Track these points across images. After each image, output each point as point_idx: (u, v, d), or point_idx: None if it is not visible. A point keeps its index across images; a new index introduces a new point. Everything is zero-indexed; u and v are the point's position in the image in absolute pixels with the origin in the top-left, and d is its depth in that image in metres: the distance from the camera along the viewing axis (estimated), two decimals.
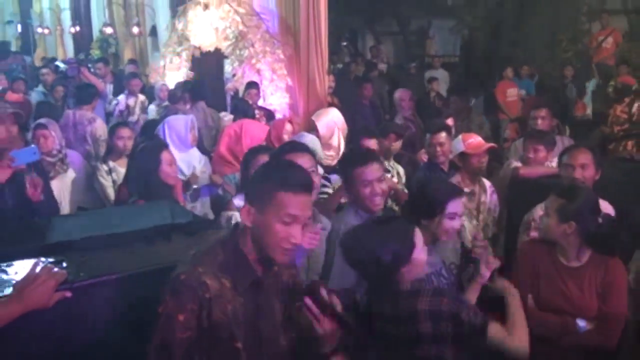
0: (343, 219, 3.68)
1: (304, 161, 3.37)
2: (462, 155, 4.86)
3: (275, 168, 2.44)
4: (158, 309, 2.22)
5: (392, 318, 2.88)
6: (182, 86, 9.05)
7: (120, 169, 5.39)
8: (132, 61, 12.86)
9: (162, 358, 2.22)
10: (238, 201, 4.10)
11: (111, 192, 5.29)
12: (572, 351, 3.46)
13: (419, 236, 2.97)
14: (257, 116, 7.86)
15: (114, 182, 5.32)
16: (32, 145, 4.29)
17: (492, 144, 5.08)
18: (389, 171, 5.35)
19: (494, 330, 2.88)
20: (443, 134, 5.25)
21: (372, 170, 3.60)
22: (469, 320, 2.81)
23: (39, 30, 23.01)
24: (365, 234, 2.92)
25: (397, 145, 5.66)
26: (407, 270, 2.89)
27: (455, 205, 3.42)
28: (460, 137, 5.01)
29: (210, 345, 2.25)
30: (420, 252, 2.94)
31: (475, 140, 4.93)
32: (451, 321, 2.81)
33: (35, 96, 10.45)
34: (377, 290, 2.95)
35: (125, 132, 5.56)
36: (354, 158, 3.83)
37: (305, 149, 3.60)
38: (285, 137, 5.82)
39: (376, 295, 2.96)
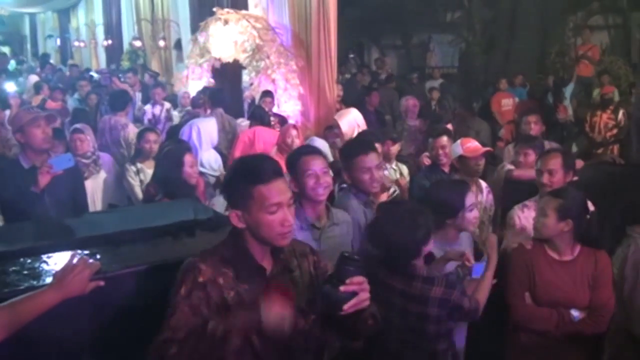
0: (345, 202, 3.75)
1: (317, 162, 3.38)
2: (461, 158, 4.86)
3: (242, 168, 2.36)
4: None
5: (403, 293, 3.00)
6: (202, 93, 9.10)
7: (147, 170, 5.40)
8: (150, 71, 12.85)
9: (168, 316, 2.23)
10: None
11: (139, 191, 5.30)
12: (566, 340, 3.47)
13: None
14: (272, 122, 7.87)
15: (141, 181, 5.33)
16: (68, 153, 4.32)
17: (488, 148, 5.07)
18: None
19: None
20: (445, 138, 5.24)
21: (371, 159, 3.71)
22: (469, 308, 3.02)
23: (76, 43, 23.12)
24: (389, 221, 3.05)
25: (394, 149, 5.63)
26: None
27: (470, 198, 3.60)
28: (459, 141, 5.00)
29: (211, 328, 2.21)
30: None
31: (473, 144, 4.92)
32: (456, 310, 2.99)
33: (71, 103, 10.49)
34: (397, 266, 3.04)
35: (152, 136, 5.58)
36: (356, 147, 3.88)
37: (317, 151, 3.61)
38: (289, 141, 5.84)
39: (394, 270, 3.05)
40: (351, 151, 3.84)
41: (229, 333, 2.17)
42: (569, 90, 12.15)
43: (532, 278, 3.54)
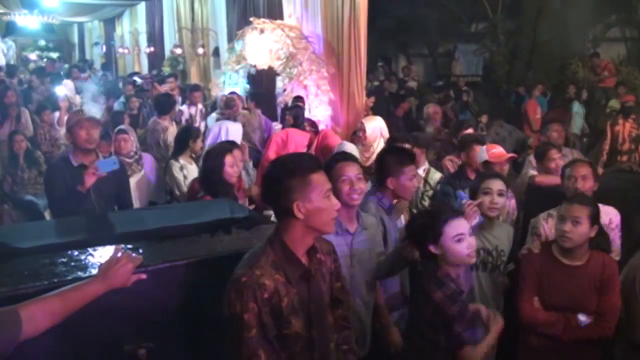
0: (366, 208, 3.69)
1: (352, 168, 3.38)
2: (486, 163, 4.81)
3: (294, 162, 2.39)
4: (225, 311, 2.23)
5: (420, 287, 2.98)
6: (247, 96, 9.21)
7: (189, 165, 5.48)
8: (172, 76, 12.90)
9: (235, 357, 2.23)
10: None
11: (184, 186, 5.34)
12: (576, 344, 3.41)
13: (465, 226, 2.98)
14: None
15: (184, 177, 5.40)
16: (113, 156, 4.37)
17: (512, 154, 5.02)
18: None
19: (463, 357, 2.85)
20: (477, 146, 5.19)
21: (413, 168, 3.79)
22: (452, 335, 2.81)
23: (120, 50, 23.39)
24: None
25: (422, 156, 5.55)
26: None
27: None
28: (484, 147, 4.95)
29: (275, 337, 2.26)
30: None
31: (498, 150, 4.88)
32: (443, 325, 2.82)
33: (117, 106, 10.60)
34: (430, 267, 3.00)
35: (201, 136, 5.68)
36: (396, 155, 3.88)
37: (352, 157, 3.61)
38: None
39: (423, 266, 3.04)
40: (398, 161, 3.82)
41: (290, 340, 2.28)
42: (574, 107, 11.92)
43: (541, 283, 3.48)
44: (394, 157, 3.90)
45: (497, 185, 3.79)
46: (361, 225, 3.39)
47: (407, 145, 5.13)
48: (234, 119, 7.90)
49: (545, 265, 3.50)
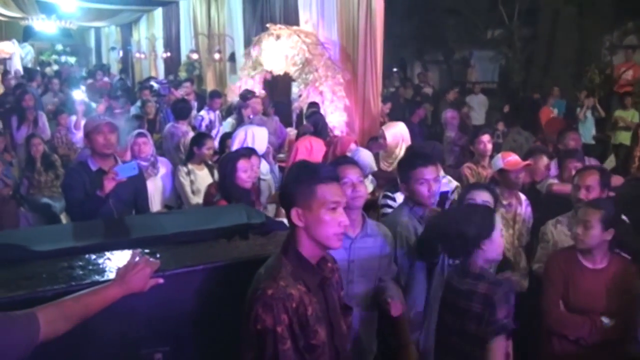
0: (396, 218, 3.65)
1: (353, 172, 3.37)
2: (501, 171, 4.78)
3: (306, 169, 2.40)
4: (253, 327, 2.20)
5: (454, 289, 2.95)
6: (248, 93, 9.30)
7: (197, 171, 5.53)
8: (189, 81, 12.94)
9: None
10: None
11: (188, 190, 5.43)
12: (598, 348, 3.41)
13: (498, 220, 3.02)
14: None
15: (191, 182, 5.46)
16: (132, 162, 4.39)
17: (528, 162, 4.99)
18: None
19: (495, 348, 2.79)
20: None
21: (430, 171, 3.59)
22: (499, 319, 2.77)
23: (137, 55, 23.56)
24: (454, 213, 3.05)
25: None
26: (486, 247, 2.90)
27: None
28: (500, 155, 4.92)
29: (303, 347, 2.24)
30: (498, 233, 2.96)
31: (513, 158, 4.85)
32: (490, 310, 2.79)
33: (134, 110, 10.66)
34: (460, 267, 2.99)
35: (210, 142, 5.70)
36: (414, 159, 3.77)
37: (352, 161, 3.58)
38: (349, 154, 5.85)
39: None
40: (409, 163, 3.74)
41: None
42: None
43: (566, 286, 3.50)
44: (402, 161, 3.88)
45: (482, 196, 3.73)
46: (365, 232, 3.32)
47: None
48: (253, 113, 8.00)
49: (569, 268, 3.52)
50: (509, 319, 2.79)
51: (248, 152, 4.62)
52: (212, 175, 5.46)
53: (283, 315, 2.17)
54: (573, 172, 5.06)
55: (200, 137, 5.85)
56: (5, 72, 14.62)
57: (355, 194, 3.29)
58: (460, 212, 3.01)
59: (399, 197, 4.23)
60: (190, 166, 5.55)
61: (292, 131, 9.49)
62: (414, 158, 3.77)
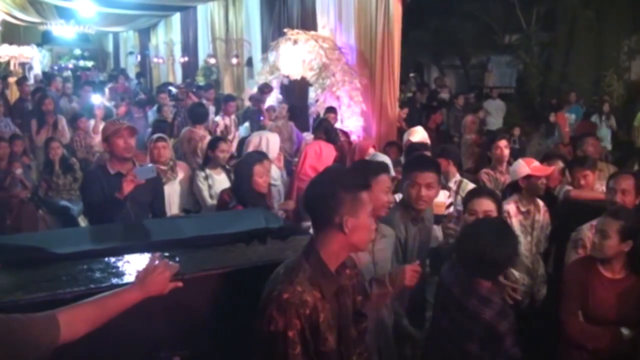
0: (390, 216, 3.62)
1: (384, 180, 3.36)
2: (527, 177, 4.74)
3: (348, 177, 2.43)
4: (265, 328, 2.20)
5: (456, 301, 2.91)
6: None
7: (215, 176, 5.54)
8: (209, 86, 12.99)
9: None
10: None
11: (206, 195, 5.43)
12: (617, 358, 3.36)
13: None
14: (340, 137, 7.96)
15: (209, 186, 5.46)
16: (150, 164, 4.41)
17: (552, 168, 4.97)
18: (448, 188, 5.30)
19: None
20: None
21: (425, 176, 3.59)
22: (506, 351, 2.77)
23: (155, 59, 23.68)
24: (487, 235, 2.84)
25: (452, 168, 5.53)
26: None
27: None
28: (522, 161, 4.88)
29: (314, 353, 2.24)
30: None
31: (536, 164, 4.83)
32: (496, 341, 2.77)
33: (151, 115, 10.72)
34: (466, 280, 2.94)
35: (224, 146, 5.70)
36: (414, 162, 3.80)
37: (387, 170, 3.56)
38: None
39: (462, 283, 2.95)
40: (409, 165, 3.77)
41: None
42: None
43: (585, 295, 3.45)
44: (405, 163, 3.87)
45: (483, 206, 3.68)
46: (381, 233, 3.33)
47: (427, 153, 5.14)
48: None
49: (588, 278, 3.48)
50: (516, 346, 2.78)
51: (262, 156, 4.63)
52: (230, 179, 5.48)
53: (295, 320, 2.17)
54: (582, 181, 5.07)
55: (215, 141, 5.86)
56: (23, 78, 14.82)
57: (387, 203, 3.33)
58: (493, 236, 2.87)
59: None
60: (208, 171, 5.57)
61: (308, 136, 9.49)
62: (414, 162, 3.80)
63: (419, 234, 3.77)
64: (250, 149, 5.79)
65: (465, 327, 2.87)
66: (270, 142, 5.93)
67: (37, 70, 19.65)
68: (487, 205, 3.67)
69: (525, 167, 4.76)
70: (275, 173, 5.88)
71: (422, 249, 3.82)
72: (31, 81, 15.48)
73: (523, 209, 4.64)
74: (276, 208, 5.45)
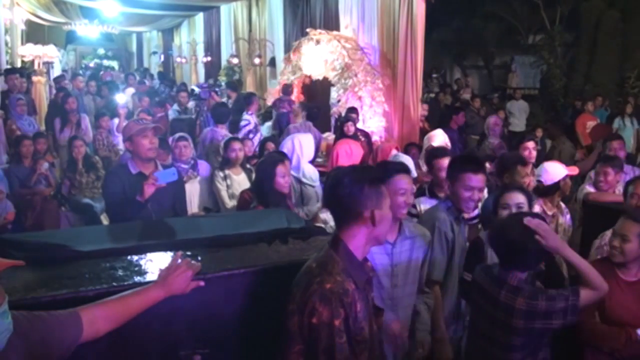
0: (434, 213, 3.70)
1: (406, 181, 3.34)
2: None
3: (373, 172, 2.53)
4: (311, 320, 2.20)
5: (493, 299, 2.88)
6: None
7: (233, 176, 5.55)
8: (229, 84, 12.99)
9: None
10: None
11: (225, 195, 5.45)
12: None
13: None
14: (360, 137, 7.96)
15: (227, 186, 5.48)
16: (172, 167, 4.41)
17: (575, 170, 4.96)
18: None
19: (584, 296, 2.84)
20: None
21: (478, 179, 3.64)
22: (563, 318, 2.77)
23: (178, 59, 23.84)
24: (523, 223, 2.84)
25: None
26: None
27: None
28: (554, 163, 4.85)
29: (354, 343, 2.25)
30: None
31: (563, 165, 4.82)
32: (543, 319, 2.77)
33: (171, 114, 10.77)
34: (496, 274, 2.93)
35: (236, 145, 5.71)
36: (466, 164, 3.76)
37: (408, 170, 3.53)
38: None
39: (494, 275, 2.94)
40: (458, 166, 3.75)
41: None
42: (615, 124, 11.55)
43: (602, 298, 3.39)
44: (453, 162, 3.88)
45: (514, 199, 3.64)
46: (403, 235, 3.31)
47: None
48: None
49: (607, 281, 3.41)
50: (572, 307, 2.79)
51: (283, 156, 4.61)
52: (250, 179, 5.47)
53: (340, 309, 2.18)
54: (601, 177, 5.04)
55: (227, 141, 5.86)
56: (61, 76, 15.05)
57: (406, 204, 3.32)
58: (528, 227, 2.85)
59: (423, 203, 4.32)
60: (227, 171, 5.57)
61: (329, 136, 9.48)
62: (467, 163, 3.76)
63: (469, 234, 3.80)
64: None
65: (502, 321, 2.85)
66: (304, 144, 5.92)
67: (57, 70, 19.84)
68: (518, 198, 3.65)
69: (561, 168, 4.73)
70: (314, 174, 5.85)
71: None
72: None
73: (549, 213, 4.60)
74: (313, 210, 5.53)
